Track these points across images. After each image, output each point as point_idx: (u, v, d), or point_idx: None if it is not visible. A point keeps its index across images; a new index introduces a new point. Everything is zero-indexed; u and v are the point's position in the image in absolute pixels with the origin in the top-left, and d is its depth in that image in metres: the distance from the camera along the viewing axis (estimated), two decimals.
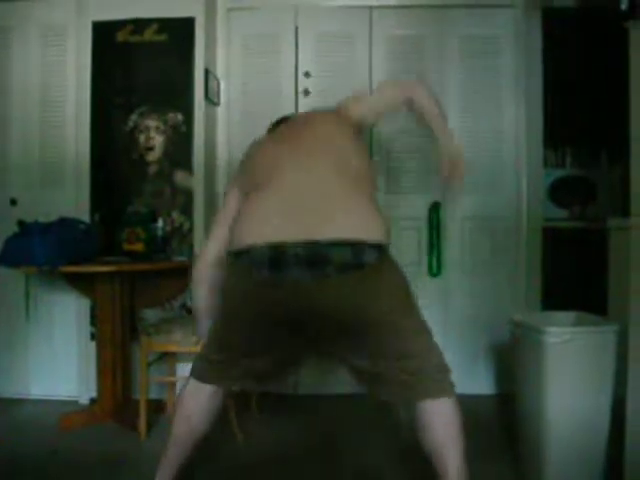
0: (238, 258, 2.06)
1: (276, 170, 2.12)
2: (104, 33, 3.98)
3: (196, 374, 2.32)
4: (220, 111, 4.21)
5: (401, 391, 2.17)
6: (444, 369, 2.19)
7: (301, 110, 4.05)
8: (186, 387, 2.35)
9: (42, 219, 3.42)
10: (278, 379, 2.38)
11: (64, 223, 3.42)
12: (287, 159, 2.15)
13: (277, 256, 1.95)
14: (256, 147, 2.41)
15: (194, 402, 2.33)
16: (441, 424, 2.15)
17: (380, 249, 2.02)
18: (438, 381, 2.16)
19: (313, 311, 2.01)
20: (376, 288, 2.04)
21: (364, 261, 1.96)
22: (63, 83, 4.03)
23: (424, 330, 2.21)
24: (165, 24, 3.95)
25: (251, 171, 2.28)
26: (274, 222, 1.99)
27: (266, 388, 2.42)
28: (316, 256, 1.93)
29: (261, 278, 1.99)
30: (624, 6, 2.35)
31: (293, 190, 2.04)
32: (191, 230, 3.99)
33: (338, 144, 2.23)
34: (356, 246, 1.95)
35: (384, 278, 2.08)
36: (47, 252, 3.22)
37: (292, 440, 3.31)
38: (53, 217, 3.46)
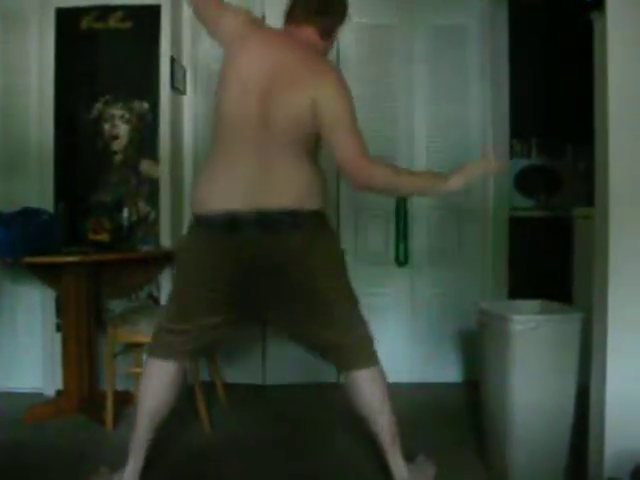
0: (198, 221, 2.40)
1: (240, 134, 2.39)
2: (68, 19, 3.91)
3: (156, 353, 2.46)
4: (186, 100, 4.17)
5: (333, 360, 2.50)
6: (367, 340, 2.49)
7: None
8: (147, 366, 2.48)
9: (5, 209, 3.36)
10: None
11: (27, 213, 3.37)
12: (251, 127, 2.36)
13: (231, 219, 2.29)
14: (238, 59, 2.55)
15: (157, 379, 2.44)
16: (369, 391, 2.45)
17: (315, 214, 2.36)
18: (361, 352, 2.46)
19: (255, 259, 2.33)
20: (308, 247, 2.35)
21: (300, 223, 2.31)
22: (25, 70, 3.94)
23: (348, 299, 2.47)
24: (130, 11, 3.91)
25: (222, 99, 2.56)
26: (231, 192, 2.31)
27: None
28: (263, 218, 2.29)
29: (217, 234, 2.33)
30: None
31: (247, 164, 2.32)
32: (157, 220, 3.95)
33: (290, 116, 2.33)
34: (293, 213, 2.30)
35: (317, 241, 2.39)
36: (10, 243, 3.18)
37: (259, 430, 3.32)
38: (16, 207, 3.40)
